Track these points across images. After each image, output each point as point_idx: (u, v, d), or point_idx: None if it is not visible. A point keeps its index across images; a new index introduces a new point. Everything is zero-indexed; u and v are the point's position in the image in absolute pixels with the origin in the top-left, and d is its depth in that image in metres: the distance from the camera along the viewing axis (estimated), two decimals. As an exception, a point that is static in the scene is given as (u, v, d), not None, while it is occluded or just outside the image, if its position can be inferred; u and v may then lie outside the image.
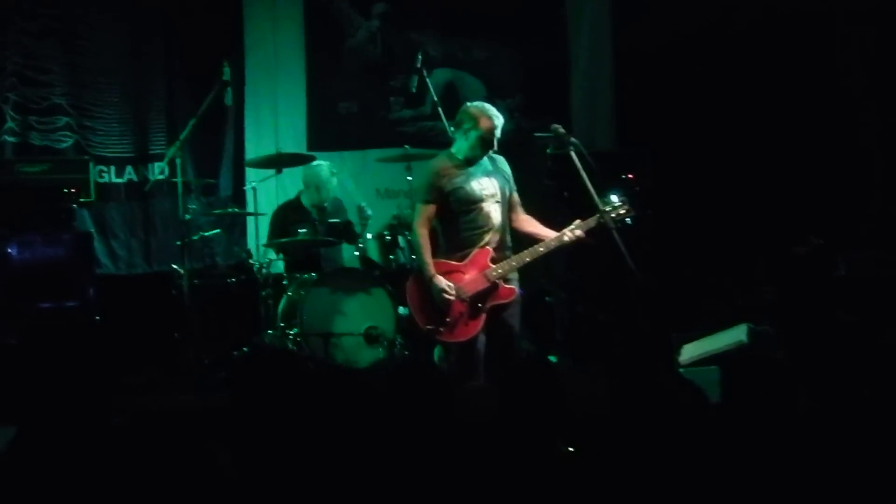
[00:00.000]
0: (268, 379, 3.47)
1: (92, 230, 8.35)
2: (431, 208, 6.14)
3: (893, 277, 7.46)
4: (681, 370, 6.03)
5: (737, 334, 6.09)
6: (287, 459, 3.16)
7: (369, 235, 7.78)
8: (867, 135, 8.56)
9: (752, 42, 8.73)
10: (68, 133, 8.62)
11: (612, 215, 6.05)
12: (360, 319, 7.33)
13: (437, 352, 6.81)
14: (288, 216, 7.85)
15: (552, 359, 7.65)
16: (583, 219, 6.12)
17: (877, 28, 8.31)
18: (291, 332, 7.32)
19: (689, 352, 6.21)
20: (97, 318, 7.41)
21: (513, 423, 3.56)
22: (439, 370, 4.97)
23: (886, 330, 6.77)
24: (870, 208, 8.45)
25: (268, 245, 7.79)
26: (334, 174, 7.94)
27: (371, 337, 7.30)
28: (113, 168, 8.77)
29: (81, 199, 7.78)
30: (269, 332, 7.42)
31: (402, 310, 7.14)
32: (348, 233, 7.87)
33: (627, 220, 6.12)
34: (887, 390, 4.40)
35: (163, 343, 7.73)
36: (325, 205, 7.91)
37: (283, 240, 7.69)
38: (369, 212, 7.91)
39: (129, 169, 8.81)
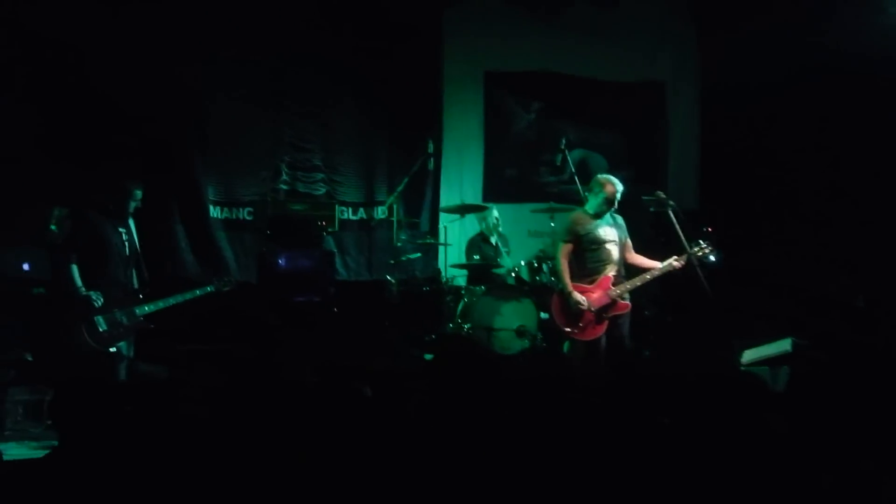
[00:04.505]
0: (452, 354, 3.61)
1: (334, 250, 8.69)
2: (569, 246, 6.45)
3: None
4: (742, 368, 6.03)
5: (783, 345, 6.07)
6: (459, 405, 3.24)
7: (523, 262, 7.93)
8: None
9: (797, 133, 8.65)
10: (322, 184, 8.94)
11: (699, 254, 6.13)
12: (514, 319, 7.48)
13: (566, 345, 6.85)
14: (476, 243, 8.25)
15: (646, 353, 7.65)
16: (677, 255, 6.18)
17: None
18: (465, 326, 7.57)
19: (749, 356, 6.26)
20: (335, 309, 7.78)
21: (620, 398, 3.60)
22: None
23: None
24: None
25: (456, 266, 8.11)
26: (496, 217, 8.20)
27: (521, 332, 7.43)
28: (350, 209, 9.01)
29: (329, 229, 8.25)
30: (450, 325, 7.73)
31: (543, 315, 7.38)
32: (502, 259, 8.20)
33: (711, 258, 6.15)
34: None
35: (377, 329, 7.85)
36: (496, 230, 8.13)
37: (464, 264, 8.11)
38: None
39: (360, 210, 9.05)
